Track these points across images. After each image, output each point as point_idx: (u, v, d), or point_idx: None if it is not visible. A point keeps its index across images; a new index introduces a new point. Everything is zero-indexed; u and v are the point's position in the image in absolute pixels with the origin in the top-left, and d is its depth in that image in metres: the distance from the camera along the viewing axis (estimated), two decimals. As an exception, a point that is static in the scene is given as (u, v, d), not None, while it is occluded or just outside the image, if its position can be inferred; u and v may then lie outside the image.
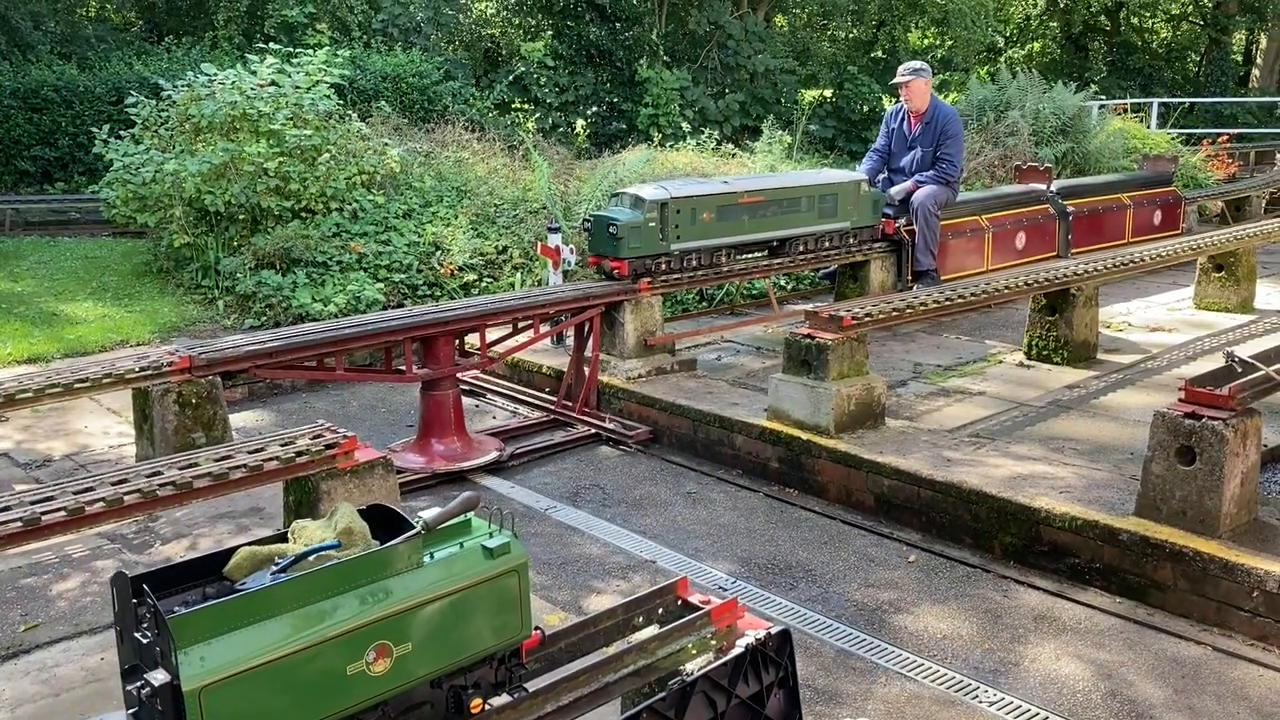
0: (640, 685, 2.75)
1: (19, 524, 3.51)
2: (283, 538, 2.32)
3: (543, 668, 2.68)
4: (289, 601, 2.11)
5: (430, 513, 2.39)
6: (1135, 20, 29.33)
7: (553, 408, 7.01)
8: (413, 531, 2.30)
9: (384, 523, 2.41)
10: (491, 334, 6.62)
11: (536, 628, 2.54)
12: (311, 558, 2.20)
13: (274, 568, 2.19)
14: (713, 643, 2.85)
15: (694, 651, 2.81)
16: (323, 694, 2.12)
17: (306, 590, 2.13)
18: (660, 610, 2.97)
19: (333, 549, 2.23)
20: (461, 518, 2.43)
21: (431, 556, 2.32)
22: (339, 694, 2.15)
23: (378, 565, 2.22)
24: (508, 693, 2.49)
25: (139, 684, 2.00)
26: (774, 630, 2.89)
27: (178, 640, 1.96)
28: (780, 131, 13.63)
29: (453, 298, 8.86)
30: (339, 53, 11.90)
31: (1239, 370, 4.65)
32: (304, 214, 9.51)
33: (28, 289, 9.75)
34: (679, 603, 3.00)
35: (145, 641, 2.05)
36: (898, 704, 3.73)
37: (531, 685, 2.58)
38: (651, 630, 2.90)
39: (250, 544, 2.26)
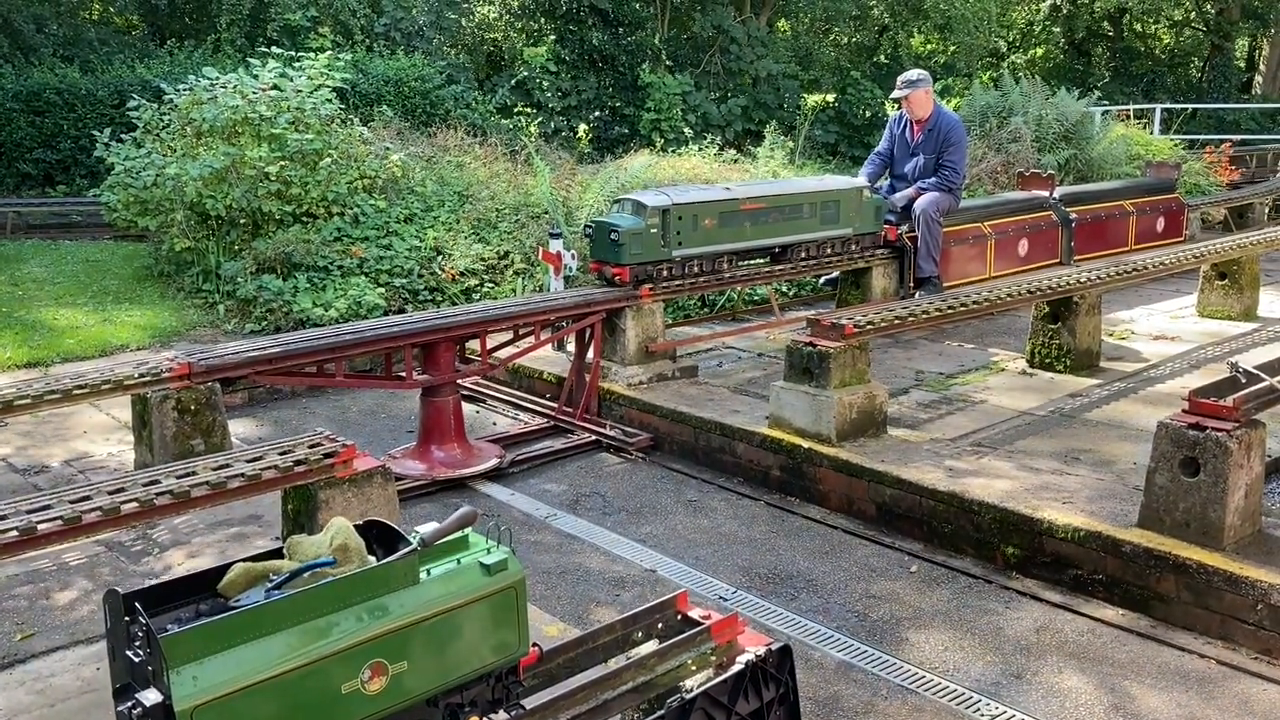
0: (639, 702, 2.73)
1: (15, 533, 3.49)
2: (278, 554, 2.29)
3: (540, 684, 2.66)
4: (283, 619, 2.08)
5: (427, 528, 2.37)
6: (1138, 26, 29.33)
7: (553, 414, 6.99)
8: (409, 548, 2.28)
9: (380, 538, 2.39)
10: (492, 340, 6.60)
11: (534, 644, 2.52)
12: (306, 575, 2.18)
13: (268, 585, 2.17)
14: (713, 659, 2.83)
15: (694, 668, 2.78)
16: (317, 713, 2.09)
17: (301, 608, 2.10)
18: (660, 625, 2.94)
19: (327, 565, 2.21)
20: (459, 533, 2.40)
21: (428, 573, 2.30)
22: (334, 713, 2.12)
23: (373, 582, 2.20)
24: (505, 710, 2.46)
25: (130, 704, 1.98)
26: (774, 646, 2.87)
27: (170, 659, 1.93)
28: (782, 137, 13.60)
29: (454, 303, 8.84)
30: (341, 56, 11.91)
31: (1243, 381, 4.62)
32: (305, 218, 9.50)
33: (28, 292, 9.73)
34: (679, 617, 2.97)
35: (137, 660, 2.03)
36: (899, 717, 3.71)
37: (529, 702, 2.56)
38: (651, 646, 2.87)
39: (245, 560, 2.24)
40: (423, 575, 2.28)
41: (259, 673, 2.01)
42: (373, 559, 2.30)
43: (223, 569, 2.21)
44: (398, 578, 2.23)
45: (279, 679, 2.03)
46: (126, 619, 2.07)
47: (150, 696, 1.96)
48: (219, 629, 2.01)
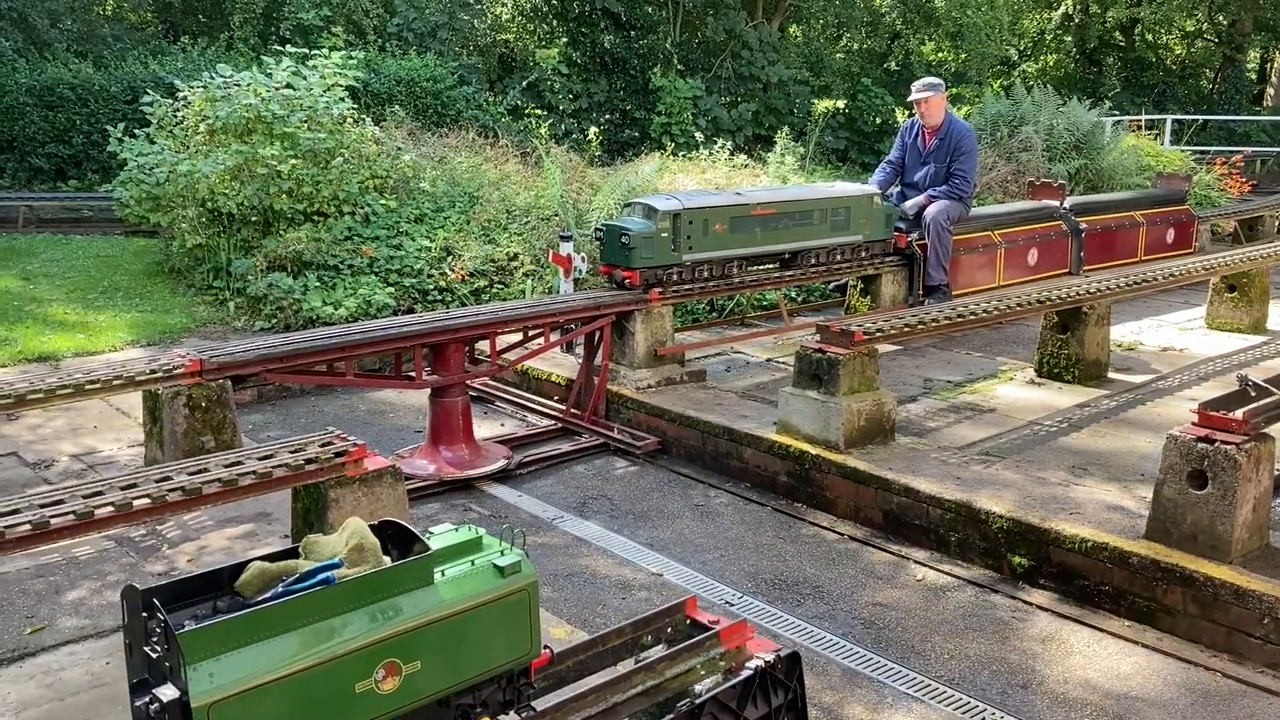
0: (648, 705, 2.74)
1: (28, 527, 3.51)
2: (294, 553, 2.31)
3: (551, 686, 2.67)
4: (300, 618, 2.09)
5: (441, 529, 2.38)
6: (1150, 36, 29.28)
7: (561, 416, 7.00)
8: (424, 549, 2.29)
9: (395, 538, 2.40)
10: (502, 341, 6.61)
11: (546, 646, 2.53)
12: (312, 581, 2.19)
13: (284, 584, 2.18)
14: (721, 664, 2.84)
15: (702, 672, 2.79)
16: (331, 712, 2.11)
17: (317, 607, 2.12)
18: (669, 630, 2.95)
19: (335, 568, 2.21)
20: (472, 535, 2.41)
21: (443, 574, 2.31)
22: (347, 712, 2.13)
23: (388, 583, 2.21)
24: (516, 712, 2.48)
25: (147, 699, 1.99)
26: (783, 653, 2.88)
27: (187, 656, 1.95)
28: (793, 142, 13.61)
29: (463, 304, 8.86)
30: (354, 56, 11.91)
31: (1252, 394, 4.62)
32: (316, 217, 9.53)
33: (39, 287, 9.77)
34: (688, 622, 2.98)
35: (155, 656, 2.04)
36: (905, 726, 3.71)
37: (539, 704, 2.57)
38: (660, 650, 2.88)
39: (261, 559, 2.25)
40: (437, 576, 2.30)
41: (275, 670, 2.03)
42: (388, 559, 2.31)
43: (239, 567, 2.23)
44: (412, 578, 2.25)
45: (294, 677, 2.05)
46: (144, 615, 2.08)
47: (167, 692, 1.97)
48: (236, 626, 2.02)
